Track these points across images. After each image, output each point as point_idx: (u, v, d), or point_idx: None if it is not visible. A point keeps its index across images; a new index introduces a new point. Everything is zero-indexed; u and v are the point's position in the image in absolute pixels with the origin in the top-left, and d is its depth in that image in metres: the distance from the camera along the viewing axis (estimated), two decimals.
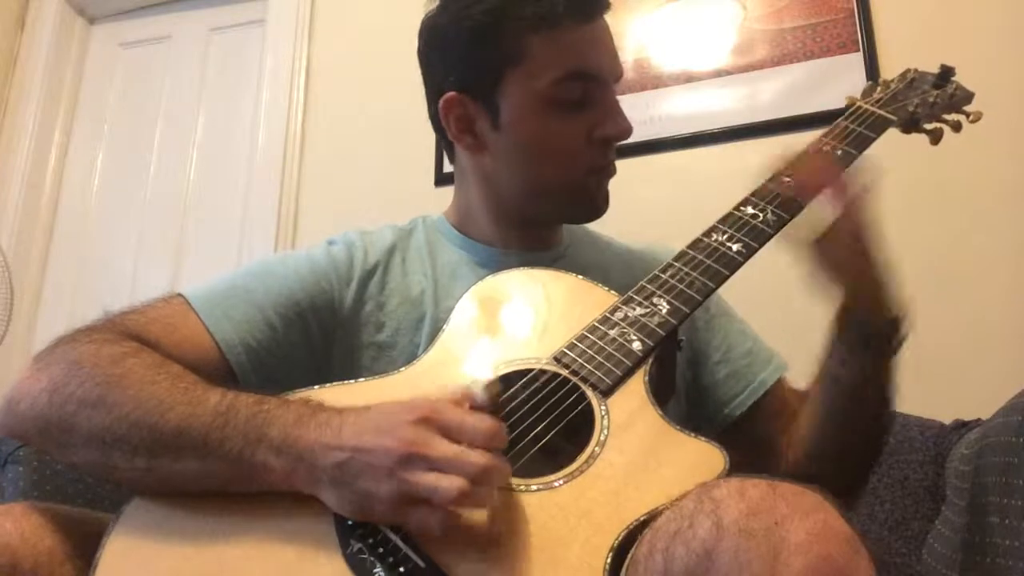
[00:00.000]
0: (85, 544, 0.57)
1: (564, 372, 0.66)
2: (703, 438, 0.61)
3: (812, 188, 0.73)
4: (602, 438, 0.60)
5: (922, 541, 1.02)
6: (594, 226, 0.89)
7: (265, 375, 0.74)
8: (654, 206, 1.52)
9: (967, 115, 0.86)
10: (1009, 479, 0.72)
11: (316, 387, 0.66)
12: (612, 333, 0.68)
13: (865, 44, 1.55)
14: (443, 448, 0.53)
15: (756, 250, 0.72)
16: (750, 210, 0.74)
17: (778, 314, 1.08)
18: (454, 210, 0.91)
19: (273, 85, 2.06)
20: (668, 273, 0.72)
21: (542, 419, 0.62)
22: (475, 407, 0.56)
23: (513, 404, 0.63)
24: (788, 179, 0.76)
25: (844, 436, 0.76)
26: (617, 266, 0.88)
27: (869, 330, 0.73)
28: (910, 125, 0.85)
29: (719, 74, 1.66)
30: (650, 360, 0.67)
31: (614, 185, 0.84)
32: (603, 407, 0.63)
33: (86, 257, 2.21)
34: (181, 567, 0.54)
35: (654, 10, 1.76)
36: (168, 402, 0.60)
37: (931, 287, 1.39)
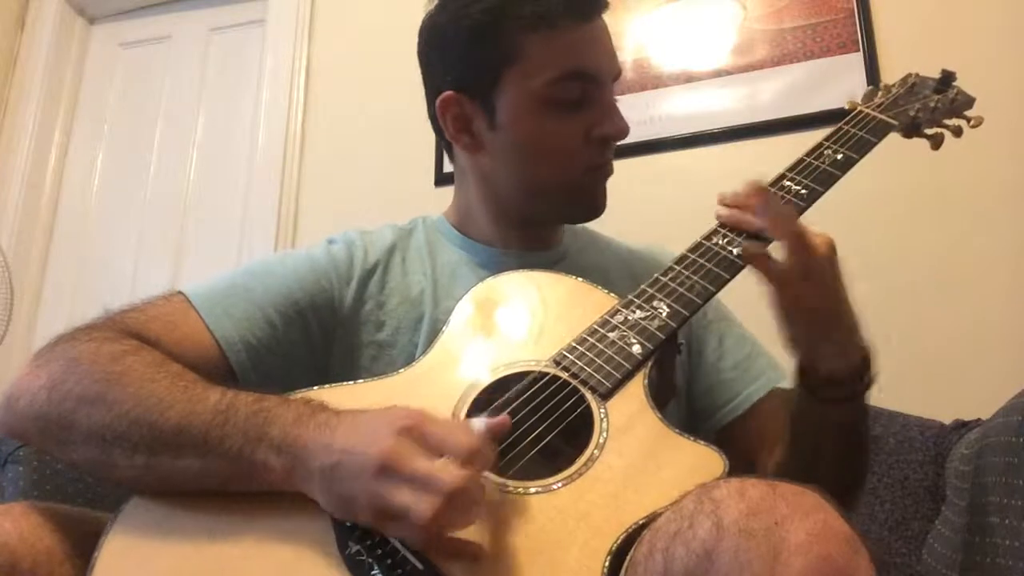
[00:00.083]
0: (84, 543, 0.57)
1: (563, 375, 0.66)
2: (702, 442, 0.61)
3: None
4: (601, 441, 0.60)
5: (922, 541, 1.02)
6: (594, 226, 0.89)
7: (265, 373, 0.74)
8: (654, 206, 1.52)
9: (968, 120, 0.86)
10: (1009, 479, 0.72)
11: (316, 387, 0.66)
12: (612, 336, 0.68)
13: (865, 44, 1.55)
14: (417, 464, 0.51)
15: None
16: None
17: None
18: (454, 210, 0.91)
19: (273, 85, 2.06)
20: (668, 276, 0.72)
21: (541, 422, 0.62)
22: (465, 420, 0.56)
23: (512, 407, 0.63)
24: (790, 184, 0.75)
25: (808, 477, 0.75)
26: (617, 267, 0.88)
27: (820, 375, 0.69)
28: (911, 130, 0.85)
29: (719, 74, 1.66)
30: (649, 363, 0.67)
31: (614, 185, 0.84)
32: (602, 410, 0.63)
33: (86, 257, 2.21)
34: (179, 566, 0.54)
35: (654, 10, 1.76)
36: (168, 400, 0.60)
37: (932, 288, 1.40)
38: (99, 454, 0.60)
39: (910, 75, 0.89)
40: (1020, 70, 1.44)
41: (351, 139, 1.96)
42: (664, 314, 0.69)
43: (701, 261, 0.71)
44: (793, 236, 0.66)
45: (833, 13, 1.60)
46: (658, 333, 0.68)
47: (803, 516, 0.44)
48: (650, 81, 1.71)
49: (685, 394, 0.85)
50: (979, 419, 1.04)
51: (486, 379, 0.67)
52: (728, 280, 0.70)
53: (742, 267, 0.69)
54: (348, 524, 0.55)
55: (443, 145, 0.90)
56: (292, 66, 2.05)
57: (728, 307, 0.91)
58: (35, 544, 0.57)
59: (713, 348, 0.87)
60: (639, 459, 0.59)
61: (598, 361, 0.66)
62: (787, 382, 0.80)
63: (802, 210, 0.73)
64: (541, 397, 0.64)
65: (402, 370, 0.71)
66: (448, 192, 0.93)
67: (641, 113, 1.68)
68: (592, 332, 0.69)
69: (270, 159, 2.00)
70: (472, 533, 0.53)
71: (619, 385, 0.65)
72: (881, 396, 1.08)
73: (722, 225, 0.73)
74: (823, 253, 0.66)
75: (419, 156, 1.83)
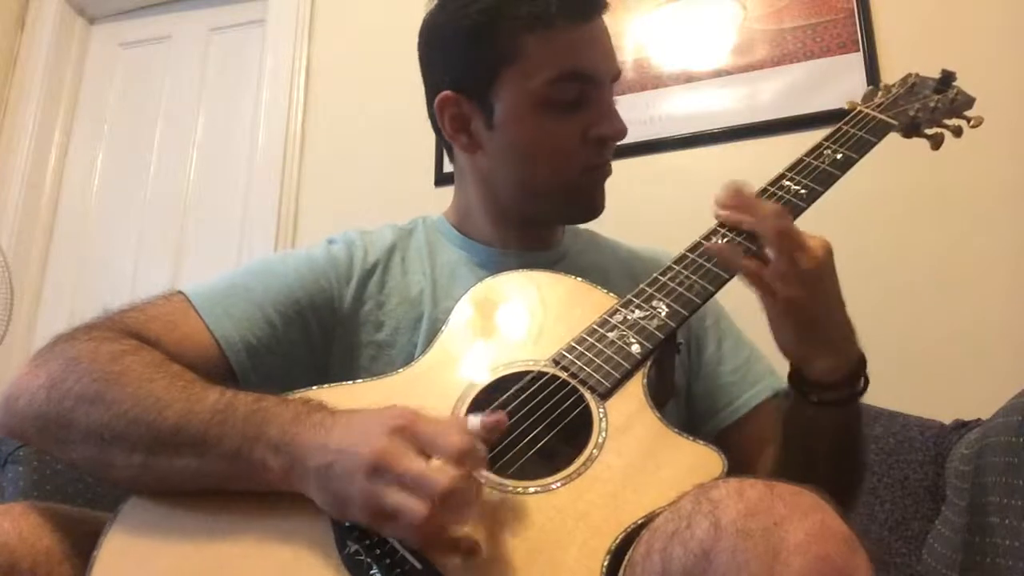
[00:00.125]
0: (84, 543, 0.57)
1: (562, 375, 0.66)
2: (701, 441, 0.61)
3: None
4: (600, 440, 0.60)
5: (922, 541, 1.02)
6: (596, 227, 0.89)
7: (265, 373, 0.74)
8: (654, 206, 1.52)
9: (968, 120, 0.86)
10: (1009, 479, 0.71)
11: (315, 387, 0.66)
12: (611, 336, 0.68)
13: (865, 44, 1.55)
14: (409, 464, 0.51)
15: (756, 254, 0.71)
16: None
17: None
18: (454, 210, 0.91)
19: (273, 85, 2.06)
20: (667, 276, 0.72)
21: (540, 421, 0.62)
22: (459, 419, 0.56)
23: (511, 406, 0.63)
24: (789, 184, 0.75)
25: (803, 480, 0.74)
26: (618, 268, 0.88)
27: (812, 379, 0.68)
28: (911, 130, 0.85)
29: (719, 74, 1.66)
30: (649, 363, 0.67)
31: (614, 185, 0.84)
32: (601, 410, 0.63)
33: (86, 257, 2.21)
34: (178, 566, 0.54)
35: (654, 10, 1.76)
36: (166, 399, 0.60)
37: (932, 288, 1.40)
38: (97, 453, 0.60)
39: (910, 75, 0.89)
40: (1020, 70, 1.44)
41: (351, 139, 1.96)
42: (663, 314, 0.69)
43: (700, 261, 0.71)
44: (781, 240, 0.65)
45: (833, 13, 1.60)
46: (657, 333, 0.68)
47: (801, 516, 0.44)
48: (650, 81, 1.71)
49: (685, 395, 0.85)
50: (979, 419, 1.04)
51: (485, 379, 0.67)
52: (727, 280, 0.70)
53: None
54: (346, 524, 0.55)
55: (443, 145, 0.90)
56: (292, 66, 2.05)
57: (726, 310, 0.91)
58: (35, 544, 0.57)
59: (713, 351, 0.87)
60: (638, 459, 0.59)
61: (597, 361, 0.66)
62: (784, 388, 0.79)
63: (802, 210, 0.73)
64: (540, 397, 0.64)
65: (401, 370, 0.71)
66: (448, 192, 0.93)
67: (641, 113, 1.68)
68: (591, 332, 0.69)
69: (270, 159, 2.00)
70: (471, 533, 0.53)
71: (618, 385, 0.65)
72: (881, 396, 1.08)
73: (721, 225, 0.73)
74: (818, 256, 0.65)
75: (419, 156, 1.83)
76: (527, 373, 0.66)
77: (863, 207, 1.41)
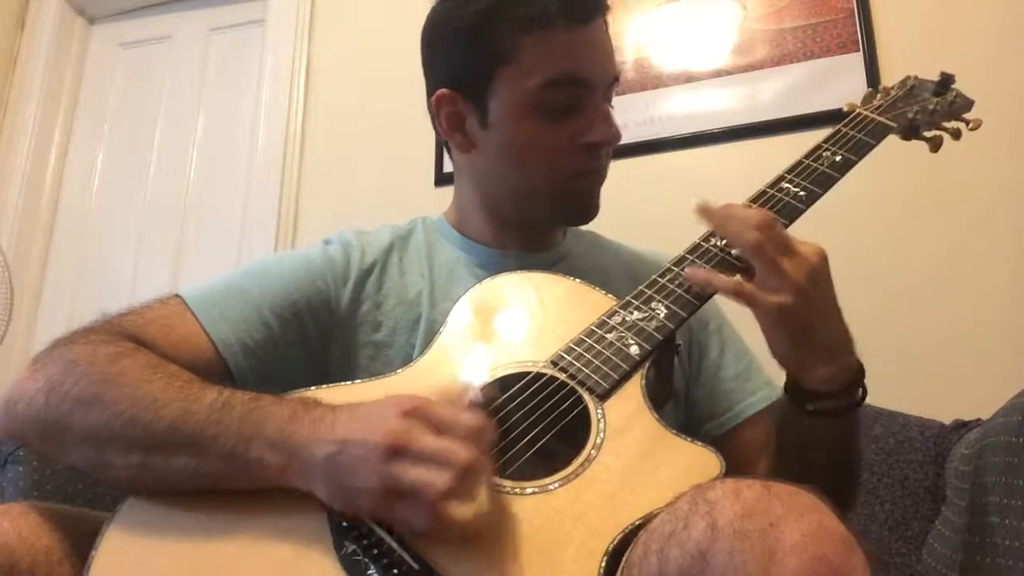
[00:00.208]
0: (83, 543, 0.57)
1: (561, 376, 0.66)
2: (699, 442, 0.61)
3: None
4: (598, 441, 0.60)
5: (922, 541, 1.02)
6: (595, 227, 0.89)
7: (262, 375, 0.74)
8: (654, 206, 1.52)
9: (967, 123, 0.86)
10: (1009, 479, 0.71)
11: (314, 388, 0.66)
12: (609, 337, 0.68)
13: (865, 44, 1.55)
14: (428, 441, 0.53)
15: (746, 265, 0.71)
16: None
17: None
18: (453, 210, 0.91)
19: (273, 85, 2.06)
20: (666, 278, 0.72)
21: (538, 422, 0.62)
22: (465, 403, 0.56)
23: (509, 407, 0.63)
24: (788, 186, 0.75)
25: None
26: (619, 270, 0.88)
27: (806, 389, 0.67)
28: (910, 132, 0.85)
29: (719, 74, 1.66)
30: (647, 364, 0.67)
31: (614, 185, 0.84)
32: (599, 411, 0.63)
33: (86, 257, 2.21)
34: (176, 566, 0.54)
35: (654, 10, 1.76)
36: (163, 399, 0.60)
37: (931, 289, 1.40)
38: (95, 455, 0.60)
39: (909, 77, 0.89)
40: (1020, 71, 1.44)
41: (351, 139, 1.96)
42: (662, 315, 0.69)
43: (699, 263, 0.71)
44: (757, 252, 0.64)
45: (833, 13, 1.60)
46: (656, 334, 0.68)
47: (798, 517, 0.44)
48: (650, 81, 1.71)
49: (683, 398, 0.85)
50: (979, 419, 1.04)
51: (483, 380, 0.67)
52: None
53: (741, 268, 0.68)
54: (344, 524, 0.55)
55: (444, 144, 0.90)
56: (292, 66, 2.05)
57: (728, 316, 0.91)
58: (34, 544, 0.57)
59: (714, 357, 0.86)
60: (636, 460, 0.59)
61: (596, 362, 0.66)
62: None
63: (800, 212, 0.73)
64: (538, 398, 0.64)
65: (399, 370, 0.71)
66: (448, 192, 0.93)
67: (641, 113, 1.68)
68: (590, 333, 0.69)
69: (270, 159, 2.00)
70: (471, 520, 0.53)
71: (616, 386, 0.65)
72: (881, 396, 1.08)
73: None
74: (811, 263, 0.64)
75: (419, 156, 1.83)
76: (525, 374, 0.66)
77: (862, 209, 1.42)
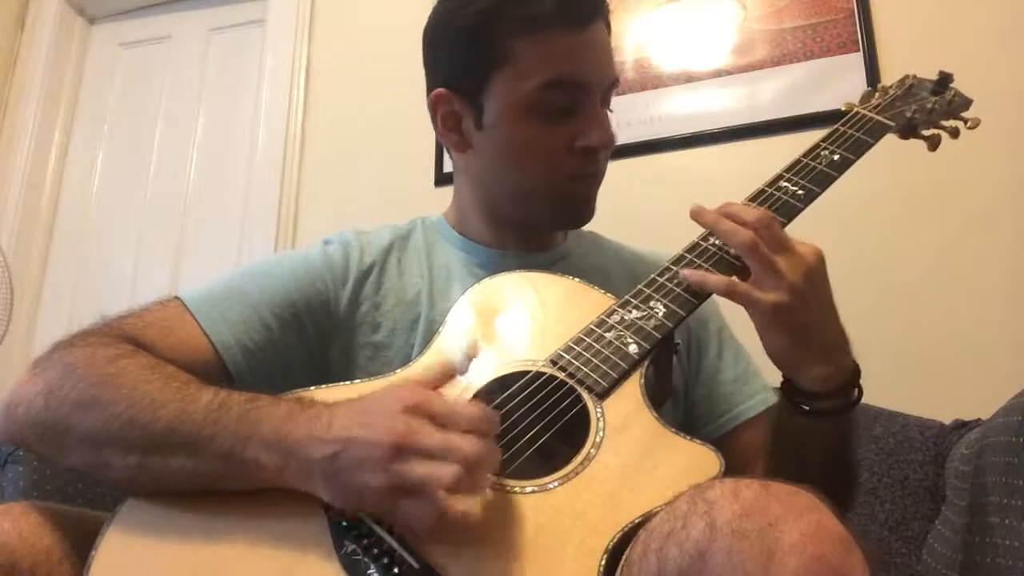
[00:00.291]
0: (83, 543, 0.57)
1: (560, 375, 0.66)
2: (698, 441, 0.61)
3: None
4: (597, 440, 0.60)
5: (922, 541, 1.02)
6: (595, 227, 0.89)
7: (262, 376, 0.74)
8: (654, 206, 1.52)
9: (965, 121, 0.86)
10: (1009, 479, 0.71)
11: (312, 388, 0.66)
12: (608, 336, 0.68)
13: (865, 44, 1.55)
14: (433, 436, 0.53)
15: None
16: None
17: None
18: (453, 210, 0.91)
19: (273, 85, 2.06)
20: (665, 277, 0.72)
21: (538, 421, 0.62)
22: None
23: (509, 406, 0.63)
24: (787, 185, 0.75)
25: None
26: (619, 270, 0.88)
27: (802, 389, 0.67)
28: (908, 131, 0.85)
29: (719, 74, 1.66)
30: (646, 363, 0.67)
31: (614, 185, 0.84)
32: (599, 409, 0.63)
33: (86, 257, 2.21)
34: (175, 566, 0.55)
35: (654, 10, 1.76)
36: (160, 400, 0.60)
37: (931, 288, 1.40)
38: (94, 456, 0.60)
39: (907, 76, 0.89)
40: (1020, 71, 1.44)
41: (351, 139, 1.96)
42: (660, 314, 0.69)
43: (698, 262, 0.71)
44: (751, 252, 0.64)
45: (833, 13, 1.60)
46: (654, 333, 0.68)
47: (797, 516, 0.44)
48: (650, 81, 1.71)
49: (683, 397, 0.85)
50: (979, 419, 1.04)
51: (483, 379, 0.67)
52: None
53: (739, 267, 0.68)
54: (344, 524, 0.55)
55: (444, 144, 0.90)
56: (292, 66, 2.05)
57: (727, 322, 0.91)
58: (35, 543, 0.57)
59: (712, 358, 0.87)
60: (635, 458, 0.59)
61: (595, 361, 0.66)
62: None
63: (799, 211, 0.73)
64: (538, 397, 0.64)
65: (399, 371, 0.71)
66: (448, 192, 0.93)
67: (641, 113, 1.68)
68: (589, 332, 0.69)
69: (270, 159, 2.00)
70: (468, 531, 0.53)
71: (615, 384, 0.65)
72: (881, 396, 1.08)
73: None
74: (808, 263, 0.64)
75: (419, 156, 1.83)
76: (525, 373, 0.66)
77: (861, 208, 1.42)
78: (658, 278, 0.72)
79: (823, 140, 0.79)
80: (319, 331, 0.79)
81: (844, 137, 0.79)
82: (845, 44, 1.57)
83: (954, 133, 0.86)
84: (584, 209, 0.82)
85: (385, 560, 0.53)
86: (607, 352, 0.67)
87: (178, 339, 0.71)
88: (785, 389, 0.69)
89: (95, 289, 2.15)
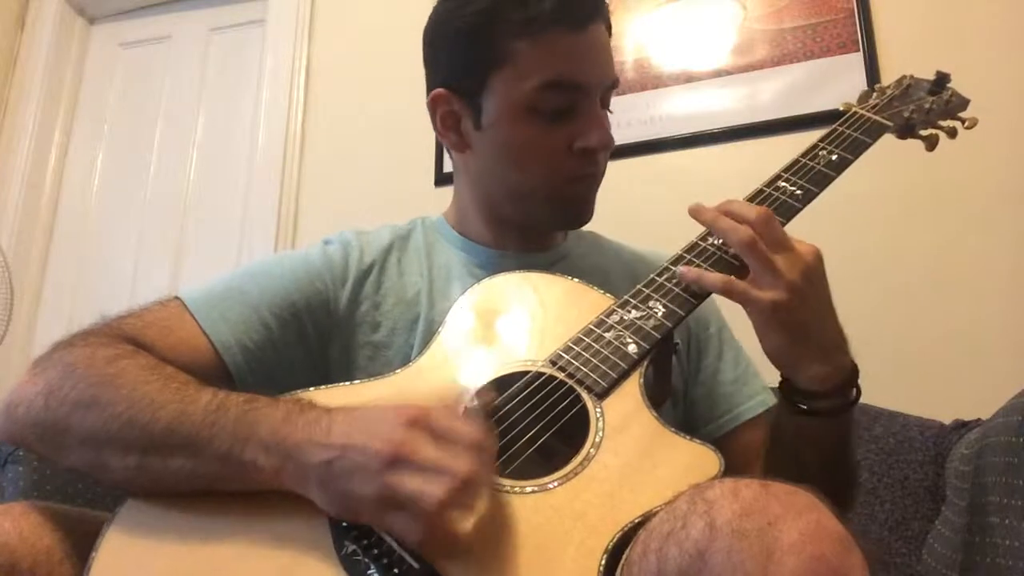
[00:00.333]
0: (84, 543, 0.57)
1: (559, 375, 0.66)
2: (698, 440, 0.61)
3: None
4: (597, 440, 0.60)
5: (922, 541, 1.02)
6: (595, 227, 0.89)
7: (262, 376, 0.74)
8: (654, 206, 1.52)
9: (963, 121, 0.86)
10: (1009, 479, 0.72)
11: (312, 389, 0.66)
12: (608, 336, 0.68)
13: (865, 44, 1.55)
14: (429, 452, 0.52)
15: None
16: None
17: None
18: (453, 210, 0.91)
19: (273, 85, 2.06)
20: (664, 276, 0.72)
21: (537, 421, 0.62)
22: (467, 412, 0.56)
23: (508, 406, 0.63)
24: (785, 185, 0.75)
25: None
26: (619, 271, 0.88)
27: (800, 388, 0.67)
28: (906, 131, 0.85)
29: (719, 74, 1.66)
30: (645, 363, 0.67)
31: (614, 185, 0.84)
32: (598, 409, 0.63)
33: (86, 257, 2.21)
34: (175, 567, 0.54)
35: (654, 10, 1.76)
36: (160, 401, 0.60)
37: (930, 288, 1.40)
38: (94, 457, 0.60)
39: (905, 76, 0.89)
40: (1018, 71, 1.44)
41: (351, 139, 1.96)
42: (660, 314, 0.69)
43: (697, 261, 0.71)
44: (749, 251, 0.64)
45: (833, 13, 1.60)
46: (654, 332, 0.68)
47: (796, 516, 0.44)
48: (650, 81, 1.71)
49: (682, 397, 0.85)
50: (979, 419, 1.04)
51: (482, 380, 0.67)
52: None
53: (738, 267, 0.68)
54: (344, 524, 0.55)
55: (444, 144, 0.90)
56: (292, 66, 2.05)
57: (727, 324, 0.91)
58: (35, 543, 0.57)
59: (712, 359, 0.87)
60: (635, 458, 0.59)
61: (594, 361, 0.66)
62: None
63: (797, 211, 0.73)
64: (537, 397, 0.64)
65: (398, 371, 0.71)
66: (448, 192, 0.93)
67: (641, 113, 1.68)
68: (588, 332, 0.69)
69: (270, 159, 2.00)
70: (468, 532, 0.53)
71: (615, 384, 0.65)
72: (881, 396, 1.08)
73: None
74: (806, 261, 0.64)
75: (419, 156, 1.83)
76: (524, 373, 0.66)
77: (859, 208, 1.42)
78: (657, 278, 0.72)
79: (821, 140, 0.79)
80: (319, 331, 0.79)
81: (842, 137, 0.79)
82: (845, 44, 1.57)
83: (952, 133, 0.86)
84: (583, 210, 0.82)
85: (385, 561, 0.53)
86: (606, 352, 0.67)
87: (178, 339, 0.71)
88: (783, 389, 0.69)
89: (95, 289, 2.15)
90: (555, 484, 0.57)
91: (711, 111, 1.64)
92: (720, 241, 0.71)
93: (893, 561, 1.04)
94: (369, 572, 0.52)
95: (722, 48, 1.67)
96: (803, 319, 0.64)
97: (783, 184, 0.75)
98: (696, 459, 0.59)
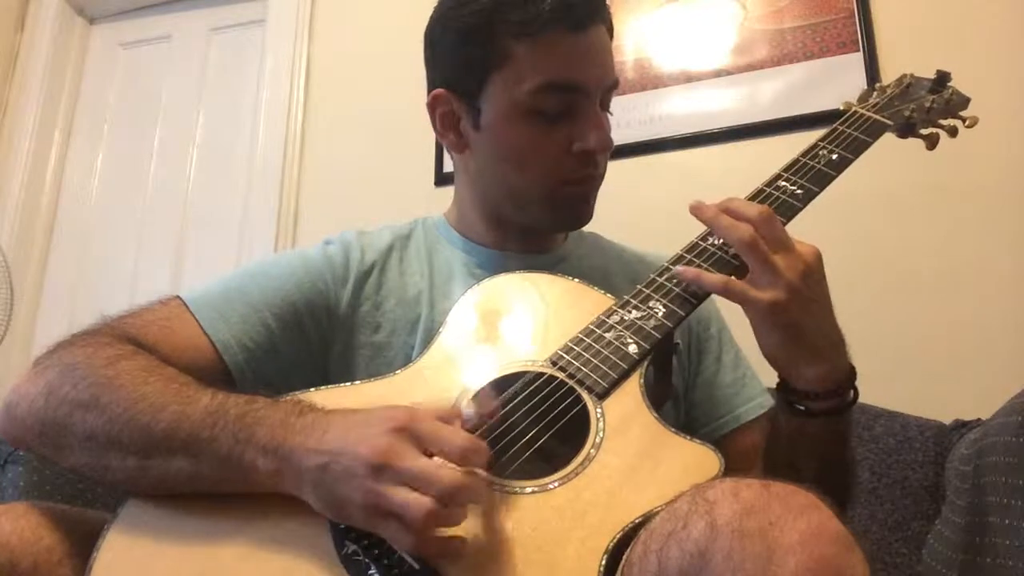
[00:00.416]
0: (84, 543, 0.57)
1: (560, 375, 0.66)
2: (698, 441, 0.61)
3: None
4: (597, 440, 0.60)
5: (922, 541, 1.02)
6: (596, 227, 0.89)
7: (263, 376, 0.74)
8: (654, 206, 1.52)
9: (963, 120, 0.86)
10: (1010, 479, 0.71)
11: (312, 390, 0.66)
12: (608, 336, 0.68)
13: (865, 44, 1.55)
14: (414, 461, 0.51)
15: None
16: None
17: None
18: (454, 210, 0.91)
19: (273, 85, 2.06)
20: (664, 276, 0.72)
21: (537, 422, 0.62)
22: (463, 420, 0.56)
23: (509, 407, 0.63)
24: (785, 184, 0.75)
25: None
26: (620, 271, 0.88)
27: (796, 389, 0.67)
28: (906, 130, 0.85)
29: (719, 74, 1.66)
30: (646, 363, 0.67)
31: (615, 185, 0.84)
32: (598, 410, 0.63)
33: (86, 257, 2.21)
34: (176, 567, 0.55)
35: (654, 10, 1.76)
36: (160, 403, 0.60)
37: (931, 288, 1.40)
38: (94, 458, 0.60)
39: (905, 75, 0.89)
40: (1018, 70, 1.44)
41: (351, 139, 1.96)
42: (660, 314, 0.69)
43: (697, 261, 0.71)
44: (749, 250, 0.64)
45: (833, 13, 1.60)
46: (654, 333, 0.68)
47: (797, 516, 0.44)
48: (650, 81, 1.71)
49: (682, 397, 0.85)
50: (979, 419, 1.04)
51: (482, 380, 0.67)
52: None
53: (737, 267, 0.68)
54: (344, 524, 0.55)
55: (443, 144, 0.90)
56: (292, 66, 2.05)
57: (728, 327, 0.91)
58: (35, 544, 0.57)
59: (712, 360, 0.87)
60: (635, 458, 0.59)
61: (594, 361, 0.66)
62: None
63: (798, 210, 0.73)
64: (538, 397, 0.64)
65: (398, 371, 0.71)
66: (448, 192, 0.93)
67: (641, 113, 1.68)
68: (588, 332, 0.69)
69: (270, 159, 2.00)
70: (469, 532, 0.53)
71: (615, 385, 0.65)
72: (881, 396, 1.08)
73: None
74: (806, 262, 0.64)
75: (419, 156, 1.83)
76: (524, 374, 0.66)
77: (860, 207, 1.42)
78: (657, 278, 0.72)
79: (822, 139, 0.79)
80: (320, 331, 0.79)
81: (843, 136, 0.79)
82: (845, 44, 1.57)
83: (952, 132, 0.86)
84: (582, 211, 0.82)
85: (385, 561, 0.53)
86: (607, 352, 0.67)
87: (180, 339, 0.71)
88: (780, 389, 0.69)
89: (95, 289, 2.15)
90: (556, 484, 0.57)
91: (711, 111, 1.64)
92: (720, 241, 0.71)
93: (893, 561, 1.04)
94: (370, 572, 0.52)
95: (722, 48, 1.67)
96: (801, 320, 0.64)
97: (783, 183, 0.75)
98: (696, 459, 0.59)
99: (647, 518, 0.53)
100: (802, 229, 0.70)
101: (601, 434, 0.61)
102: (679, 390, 0.83)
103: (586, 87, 0.77)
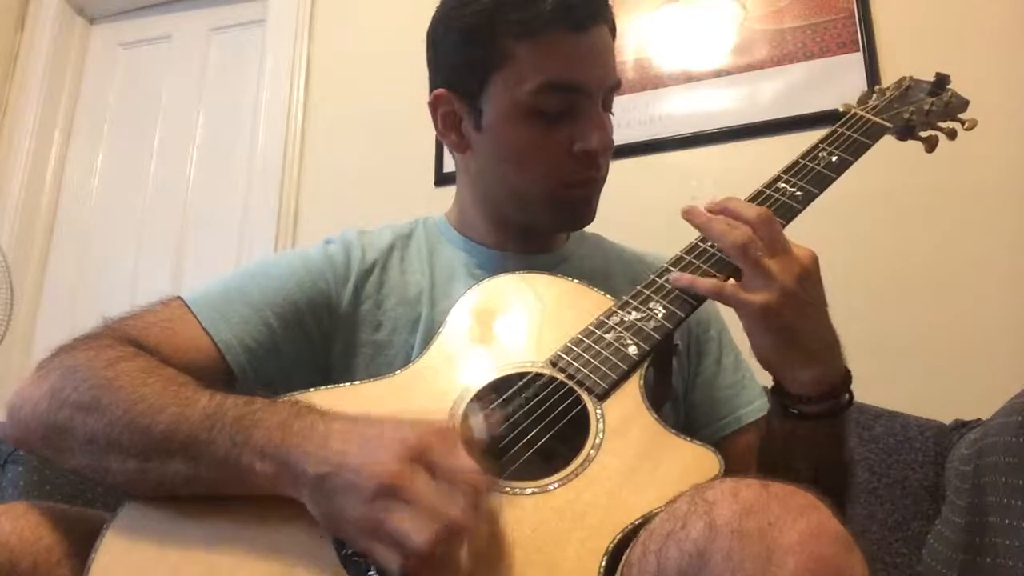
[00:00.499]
0: (83, 543, 0.57)
1: (560, 376, 0.66)
2: (698, 442, 0.61)
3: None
4: (597, 441, 0.60)
5: (922, 541, 1.02)
6: (596, 227, 0.89)
7: (265, 375, 0.74)
8: (654, 206, 1.52)
9: (962, 122, 0.86)
10: (1010, 479, 0.72)
11: (312, 390, 0.66)
12: (608, 337, 0.68)
13: (865, 44, 1.55)
14: (424, 490, 0.50)
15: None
16: None
17: None
18: (455, 210, 0.91)
19: (273, 85, 2.06)
20: (664, 278, 0.71)
21: (537, 422, 0.62)
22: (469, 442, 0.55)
23: (508, 407, 0.63)
24: (785, 186, 0.75)
25: None
26: (621, 272, 0.88)
27: (790, 392, 0.67)
28: (905, 132, 0.85)
29: (719, 74, 1.66)
30: (646, 364, 0.67)
31: (614, 185, 0.84)
32: (598, 411, 0.63)
33: (86, 257, 2.21)
34: (175, 568, 0.54)
35: (654, 10, 1.76)
36: (159, 404, 0.59)
37: (931, 288, 1.40)
38: (95, 460, 0.60)
39: (905, 78, 0.89)
40: (1018, 71, 1.44)
41: (351, 139, 1.96)
42: (660, 315, 0.69)
43: (697, 263, 0.71)
44: (741, 253, 0.64)
45: (833, 13, 1.60)
46: (654, 334, 0.68)
47: (796, 516, 0.44)
48: (650, 81, 1.71)
49: (682, 399, 0.85)
50: (979, 419, 1.04)
51: (482, 380, 0.67)
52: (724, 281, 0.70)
53: (737, 268, 0.68)
54: None
55: (445, 144, 0.90)
56: (292, 66, 2.05)
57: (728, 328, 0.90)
58: (35, 543, 0.57)
59: (711, 362, 0.87)
60: (635, 459, 0.59)
61: (594, 362, 0.66)
62: None
63: (797, 212, 0.73)
64: (538, 398, 0.64)
65: (398, 371, 0.71)
66: (448, 192, 0.93)
67: (641, 113, 1.68)
68: (588, 333, 0.69)
69: (270, 159, 2.00)
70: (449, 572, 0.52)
71: (615, 386, 0.65)
72: (881, 396, 1.08)
73: None
74: (803, 265, 0.64)
75: (419, 156, 1.83)
76: (524, 374, 0.66)
77: (860, 209, 1.42)
78: (657, 279, 0.72)
79: (821, 141, 0.79)
80: (321, 330, 0.79)
81: (842, 138, 0.79)
82: (845, 44, 1.57)
83: (951, 134, 0.86)
84: (583, 212, 0.82)
85: None
86: (606, 353, 0.67)
87: (181, 340, 0.71)
88: (774, 392, 0.69)
89: (95, 289, 2.15)
90: (555, 485, 0.57)
91: (711, 111, 1.64)
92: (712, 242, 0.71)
93: (893, 561, 1.04)
94: (369, 573, 0.52)
95: (722, 48, 1.67)
96: (794, 323, 0.64)
97: (783, 185, 0.75)
98: (696, 460, 0.59)
99: (647, 519, 0.53)
100: (802, 230, 0.70)
101: (601, 435, 0.61)
102: (679, 391, 0.83)
103: (587, 87, 0.77)
